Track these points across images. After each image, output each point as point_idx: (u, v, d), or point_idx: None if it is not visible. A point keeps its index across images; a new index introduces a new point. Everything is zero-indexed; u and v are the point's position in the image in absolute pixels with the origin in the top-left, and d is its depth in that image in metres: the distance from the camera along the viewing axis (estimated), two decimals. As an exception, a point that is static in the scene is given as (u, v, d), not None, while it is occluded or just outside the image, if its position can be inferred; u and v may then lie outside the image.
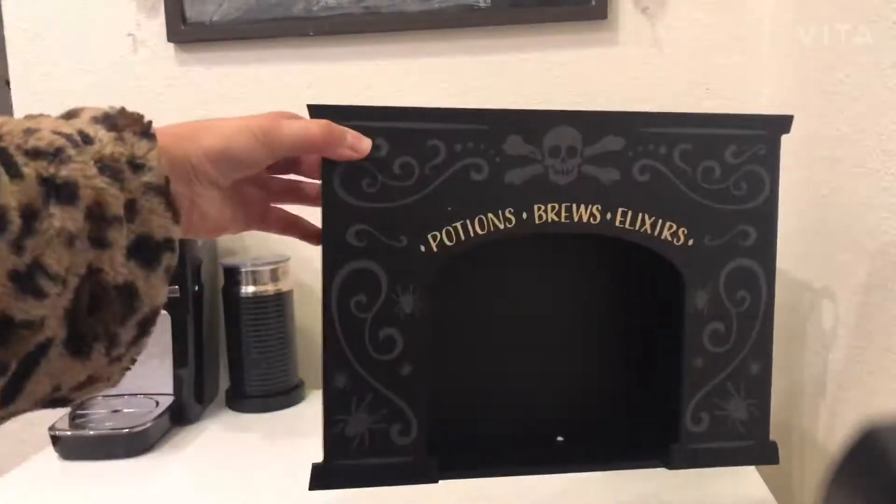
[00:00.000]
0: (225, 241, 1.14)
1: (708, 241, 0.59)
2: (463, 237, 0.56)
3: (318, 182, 0.56)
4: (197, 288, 0.98)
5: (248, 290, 1.01)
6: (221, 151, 0.50)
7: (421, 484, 0.58)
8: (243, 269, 1.01)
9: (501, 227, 0.57)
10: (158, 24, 1.13)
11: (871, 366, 0.76)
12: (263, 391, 1.02)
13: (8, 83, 1.16)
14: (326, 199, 0.55)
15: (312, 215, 0.62)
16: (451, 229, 0.56)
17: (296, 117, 0.57)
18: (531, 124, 0.57)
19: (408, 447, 0.57)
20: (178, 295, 0.95)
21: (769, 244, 0.63)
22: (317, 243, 0.58)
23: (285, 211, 0.63)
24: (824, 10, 0.86)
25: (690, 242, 0.59)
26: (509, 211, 0.57)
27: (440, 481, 0.59)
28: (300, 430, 0.96)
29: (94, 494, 0.80)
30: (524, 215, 0.57)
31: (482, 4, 1.08)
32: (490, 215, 0.57)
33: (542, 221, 0.57)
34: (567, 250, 0.67)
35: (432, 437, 0.58)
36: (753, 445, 0.63)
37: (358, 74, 1.13)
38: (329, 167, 0.55)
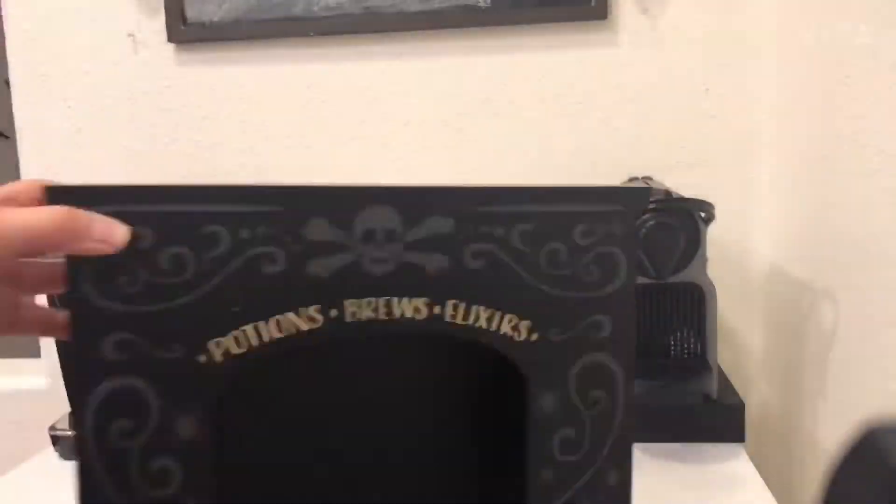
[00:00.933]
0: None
1: (555, 335, 0.50)
2: (255, 343, 0.45)
3: None
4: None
5: None
6: None
7: None
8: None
9: (305, 328, 0.45)
10: (159, 24, 1.13)
11: (871, 366, 0.76)
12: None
13: (8, 83, 1.16)
14: (74, 304, 0.43)
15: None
16: (238, 334, 0.45)
17: (24, 196, 0.43)
18: (338, 204, 0.46)
19: None
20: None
21: (626, 335, 0.52)
22: None
23: (42, 309, 0.48)
24: (825, 10, 0.86)
25: (534, 337, 0.49)
26: (314, 309, 0.45)
27: None
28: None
29: (94, 494, 0.80)
30: (333, 313, 0.46)
31: (482, 4, 1.08)
32: (290, 315, 0.45)
33: (356, 319, 0.46)
34: (389, 351, 0.56)
35: None
36: None
37: (358, 74, 1.13)
38: (74, 265, 0.43)
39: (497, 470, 0.58)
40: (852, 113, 0.79)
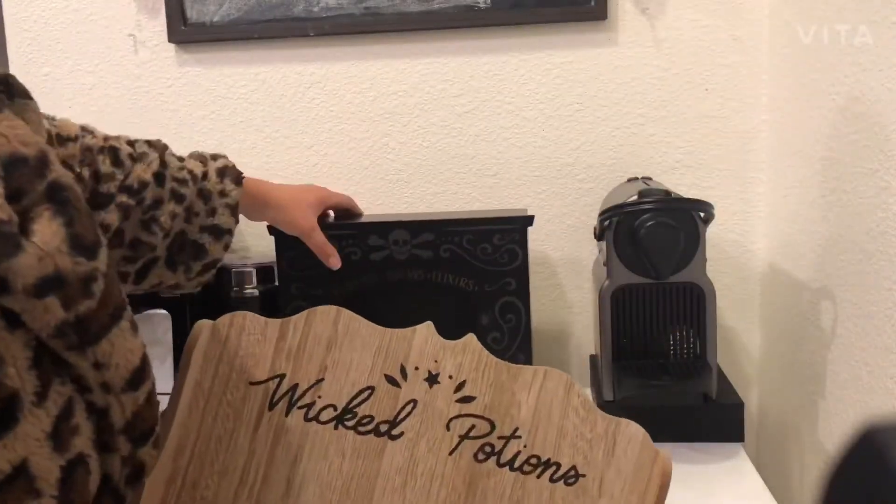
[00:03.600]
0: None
1: (487, 287, 0.93)
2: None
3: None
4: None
5: (236, 289, 1.02)
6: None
7: None
8: (233, 270, 1.02)
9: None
10: (159, 24, 1.13)
11: (871, 366, 0.76)
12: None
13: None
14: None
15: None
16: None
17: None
18: (378, 227, 0.93)
19: None
20: (178, 294, 0.96)
21: (523, 289, 0.93)
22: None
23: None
24: (824, 11, 0.86)
25: (477, 289, 0.92)
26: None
27: None
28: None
29: (94, 494, 0.80)
30: (382, 278, 0.93)
31: (482, 4, 1.08)
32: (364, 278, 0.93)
33: (390, 279, 0.93)
34: (411, 295, 0.95)
35: None
36: None
37: (358, 74, 1.13)
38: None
39: None
40: (850, 113, 0.79)
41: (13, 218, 0.41)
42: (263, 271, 1.03)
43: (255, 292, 1.02)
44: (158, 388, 1.00)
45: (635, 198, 0.87)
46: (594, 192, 1.11)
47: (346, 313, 0.62)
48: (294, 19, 1.11)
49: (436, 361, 0.60)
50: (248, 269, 1.03)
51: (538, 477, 0.58)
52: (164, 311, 0.97)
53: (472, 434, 0.58)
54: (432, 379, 0.60)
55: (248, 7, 1.11)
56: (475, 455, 0.58)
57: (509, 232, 0.93)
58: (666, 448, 0.60)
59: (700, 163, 1.09)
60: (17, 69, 1.17)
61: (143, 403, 0.49)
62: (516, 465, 0.58)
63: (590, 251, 1.11)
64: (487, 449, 0.58)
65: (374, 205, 1.15)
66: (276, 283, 0.99)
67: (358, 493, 0.59)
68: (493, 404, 0.59)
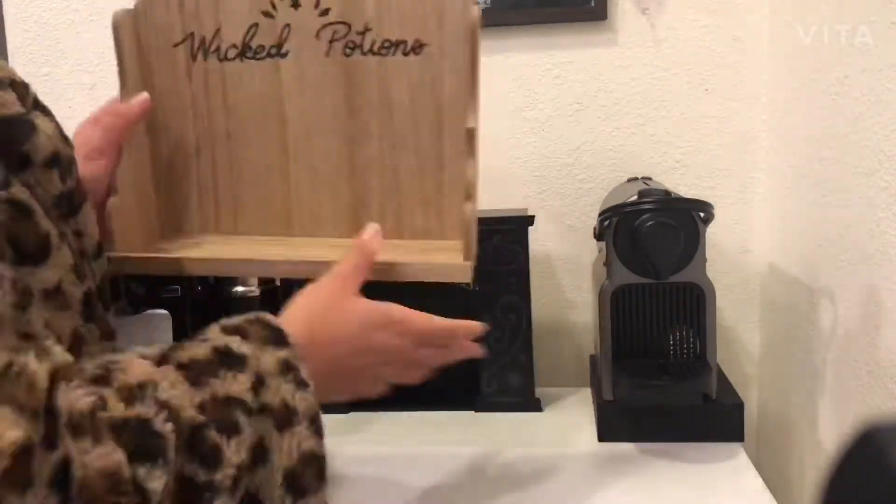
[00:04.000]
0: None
1: (487, 289, 0.95)
2: None
3: None
4: (200, 288, 0.99)
5: (237, 289, 1.02)
6: None
7: None
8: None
9: None
10: (159, 24, 1.13)
11: (871, 366, 0.76)
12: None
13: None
14: None
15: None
16: None
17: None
18: None
19: None
20: (178, 294, 0.96)
21: (524, 287, 0.95)
22: None
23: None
24: (824, 10, 0.86)
25: (478, 288, 0.93)
26: None
27: None
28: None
29: (94, 494, 0.81)
30: None
31: (482, 4, 1.08)
32: None
33: None
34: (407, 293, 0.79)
35: None
36: (523, 400, 0.99)
37: (358, 74, 1.13)
38: None
39: None
40: (851, 113, 0.79)
41: (28, 110, 0.53)
42: (263, 271, 1.03)
43: (256, 292, 1.02)
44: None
45: (635, 198, 0.87)
46: (594, 192, 1.11)
47: None
48: (294, 19, 1.11)
49: None
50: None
51: (394, 55, 0.71)
52: (164, 312, 0.97)
53: (335, 37, 0.72)
54: (296, 4, 0.72)
55: (248, 7, 1.11)
56: (343, 52, 0.72)
57: (509, 232, 0.94)
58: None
59: (700, 163, 1.09)
60: (16, 69, 1.16)
61: (106, 268, 0.59)
62: (375, 50, 0.71)
63: (590, 251, 1.11)
64: (351, 45, 0.71)
65: (374, 205, 1.14)
66: (277, 283, 0.98)
67: (272, 109, 0.74)
68: (345, 11, 0.71)
